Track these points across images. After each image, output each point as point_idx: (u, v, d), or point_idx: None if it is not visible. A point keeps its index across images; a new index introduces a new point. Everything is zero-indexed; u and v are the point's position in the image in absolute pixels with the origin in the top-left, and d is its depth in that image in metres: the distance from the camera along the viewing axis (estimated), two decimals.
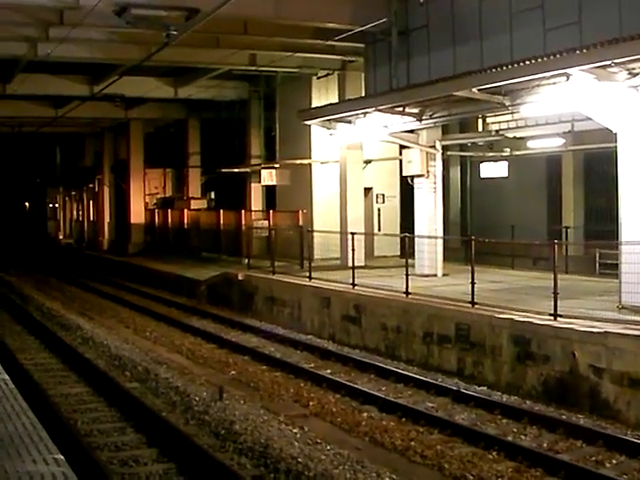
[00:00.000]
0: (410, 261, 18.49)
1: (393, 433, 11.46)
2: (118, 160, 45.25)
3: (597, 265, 20.83)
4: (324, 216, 27.27)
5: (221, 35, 23.46)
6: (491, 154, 26.04)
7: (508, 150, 24.76)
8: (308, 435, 11.14)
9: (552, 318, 13.46)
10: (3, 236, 56.05)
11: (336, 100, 26.34)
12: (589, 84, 13.76)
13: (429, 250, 20.41)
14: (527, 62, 14.24)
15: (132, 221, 40.80)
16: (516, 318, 13.94)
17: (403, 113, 20.04)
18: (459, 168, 30.00)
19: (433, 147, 20.95)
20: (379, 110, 19.96)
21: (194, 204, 37.84)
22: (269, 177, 30.59)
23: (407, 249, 19.00)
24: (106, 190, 46.08)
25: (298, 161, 28.77)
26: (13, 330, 20.66)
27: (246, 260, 25.82)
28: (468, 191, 29.95)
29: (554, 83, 14.82)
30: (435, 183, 21.10)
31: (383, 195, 28.82)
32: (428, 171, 21.09)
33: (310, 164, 28.52)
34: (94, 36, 22.67)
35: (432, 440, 11.14)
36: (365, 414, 12.52)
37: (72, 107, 33.45)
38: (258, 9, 20.17)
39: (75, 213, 56.82)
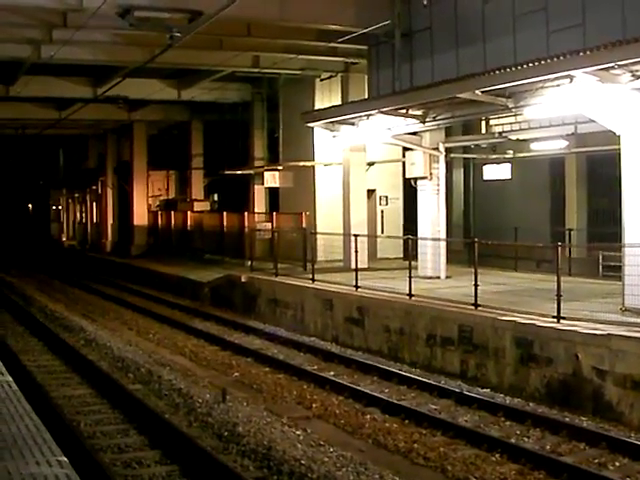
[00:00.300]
0: (413, 263, 18.48)
1: (396, 435, 11.45)
2: (121, 162, 45.29)
3: (600, 267, 20.79)
4: (327, 218, 27.28)
5: (224, 37, 23.48)
6: (494, 156, 26.03)
7: (511, 152, 24.76)
8: (311, 437, 11.14)
9: (555, 320, 13.44)
10: (6, 238, 56.12)
11: (339, 102, 26.36)
12: (592, 86, 13.76)
13: (432, 252, 20.40)
14: (530, 64, 14.24)
15: (135, 223, 40.83)
16: (519, 320, 13.93)
17: (406, 115, 20.04)
18: (462, 170, 30.00)
19: (436, 149, 20.93)
20: (382, 112, 19.97)
21: (197, 206, 37.87)
22: (272, 179, 30.59)
23: (410, 251, 19.00)
24: (109, 192, 46.13)
25: (301, 163, 28.77)
26: (16, 332, 20.67)
27: (249, 262, 25.82)
28: (471, 193, 29.93)
29: (557, 85, 14.82)
30: (438, 185, 21.08)
31: (386, 197, 28.82)
32: (431, 173, 21.07)
33: (313, 166, 28.52)
34: (97, 38, 22.70)
35: (435, 442, 11.14)
36: (368, 416, 12.52)
37: (75, 109, 33.52)
38: (261, 11, 20.18)
39: (78, 215, 56.88)
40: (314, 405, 13.22)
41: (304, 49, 24.19)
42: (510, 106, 16.64)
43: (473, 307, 15.20)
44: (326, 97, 27.91)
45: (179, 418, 12.08)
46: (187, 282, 27.69)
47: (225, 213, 32.54)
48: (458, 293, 16.94)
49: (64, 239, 58.59)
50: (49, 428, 7.93)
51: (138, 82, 30.29)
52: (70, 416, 12.10)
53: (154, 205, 42.77)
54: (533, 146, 23.38)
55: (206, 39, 22.65)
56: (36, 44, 23.13)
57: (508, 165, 27.32)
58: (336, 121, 22.23)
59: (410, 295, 17.06)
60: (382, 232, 28.15)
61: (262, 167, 32.44)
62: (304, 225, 25.52)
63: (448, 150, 22.07)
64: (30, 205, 67.88)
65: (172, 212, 38.62)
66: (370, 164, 27.01)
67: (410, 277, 17.28)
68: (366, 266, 22.19)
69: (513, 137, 22.31)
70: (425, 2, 20.75)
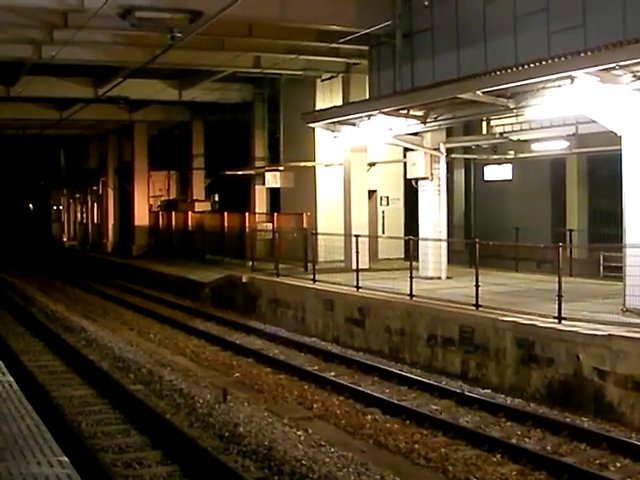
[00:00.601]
0: (414, 264, 18.48)
1: (397, 435, 11.46)
2: (122, 162, 45.31)
3: (601, 268, 20.79)
4: (328, 218, 27.27)
5: (225, 37, 23.49)
6: (495, 157, 26.03)
7: (512, 153, 24.76)
8: (312, 437, 11.14)
9: (556, 321, 13.44)
10: (7, 238, 56.15)
11: (340, 103, 26.37)
12: (593, 87, 13.76)
13: (433, 253, 20.39)
14: (532, 65, 14.25)
15: (136, 223, 40.83)
16: (520, 321, 13.92)
17: (407, 116, 20.04)
18: (463, 171, 30.00)
19: (437, 150, 20.93)
20: (383, 113, 19.97)
21: (198, 206, 37.88)
22: (273, 179, 30.59)
23: (411, 251, 19.00)
24: (110, 192, 46.13)
25: (302, 163, 28.77)
26: (17, 332, 20.68)
27: (250, 262, 25.81)
28: (472, 194, 29.93)
29: (559, 86, 14.81)
30: (439, 186, 21.08)
31: (387, 197, 28.82)
32: (432, 174, 21.07)
33: (314, 167, 28.52)
34: (98, 38, 22.72)
35: (436, 443, 11.14)
36: (369, 416, 12.52)
37: (76, 109, 33.53)
38: (263, 11, 20.18)
39: (79, 215, 56.88)
40: (315, 405, 13.23)
41: (305, 49, 24.20)
42: (511, 107, 16.63)
43: (474, 308, 15.20)
44: (327, 97, 27.92)
45: (180, 418, 12.08)
46: (188, 282, 27.69)
47: (226, 213, 32.57)
48: (459, 294, 16.94)
49: (65, 239, 58.60)
50: (50, 428, 7.93)
51: (139, 82, 30.29)
52: (71, 416, 12.11)
53: (155, 205, 42.77)
54: (534, 147, 23.39)
55: (207, 39, 22.67)
56: (37, 44, 23.14)
57: (509, 166, 27.33)
58: (337, 121, 22.23)
59: (411, 295, 17.06)
60: (383, 233, 28.15)
61: (263, 167, 32.44)
62: (305, 225, 25.52)
63: (449, 150, 22.08)
64: (31, 205, 67.91)
65: (173, 212, 38.64)
66: (371, 164, 27.00)
67: (411, 277, 17.28)
68: (367, 266, 22.18)
69: (514, 138, 22.33)
70: (426, 2, 20.76)
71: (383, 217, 28.68)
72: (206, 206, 39.02)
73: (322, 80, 28.35)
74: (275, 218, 28.25)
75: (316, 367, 16.20)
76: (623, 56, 12.73)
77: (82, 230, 55.14)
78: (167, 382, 14.21)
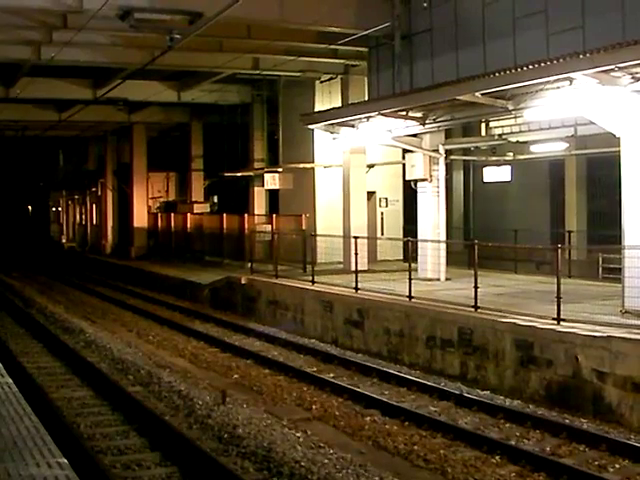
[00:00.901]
0: (413, 265, 18.48)
1: (396, 437, 11.45)
2: (121, 164, 45.32)
3: (600, 269, 20.79)
4: (327, 220, 27.30)
5: (224, 39, 23.53)
6: (494, 158, 26.00)
7: (511, 154, 24.74)
8: (311, 439, 11.15)
9: (555, 322, 13.44)
10: (6, 239, 56.15)
11: (339, 104, 26.36)
12: (592, 88, 13.77)
13: (432, 254, 20.38)
14: (530, 66, 14.24)
15: (135, 225, 40.84)
16: (519, 322, 13.92)
17: (406, 117, 20.04)
18: (462, 172, 30.00)
19: (436, 151, 20.92)
20: (382, 114, 19.96)
21: (197, 208, 37.89)
22: (272, 181, 30.61)
23: (410, 253, 19.00)
24: (109, 194, 46.14)
25: (301, 165, 28.78)
26: (16, 333, 20.67)
27: (249, 264, 25.79)
28: (471, 195, 29.94)
29: (557, 87, 14.82)
30: (438, 187, 21.07)
31: (386, 199, 28.83)
32: (431, 175, 21.07)
33: (313, 168, 28.53)
34: (97, 40, 22.74)
35: (435, 444, 11.14)
36: (368, 418, 12.51)
37: (75, 111, 33.55)
38: (261, 13, 20.20)
39: (78, 217, 56.86)
40: (314, 407, 13.22)
41: (304, 51, 24.23)
42: (510, 108, 16.63)
43: (473, 309, 15.20)
44: (326, 99, 27.94)
45: (179, 420, 12.07)
46: (187, 284, 27.69)
47: (225, 215, 32.57)
48: (458, 295, 16.94)
49: (64, 241, 58.59)
50: (49, 430, 7.93)
51: (138, 84, 30.33)
52: (70, 418, 12.10)
53: (154, 207, 42.80)
54: (533, 148, 23.38)
55: (206, 41, 22.70)
56: (36, 45, 23.16)
57: (508, 167, 27.33)
58: (336, 123, 22.22)
59: (410, 297, 17.05)
60: (382, 234, 28.15)
61: (262, 169, 32.46)
62: (304, 227, 25.53)
63: (448, 152, 22.05)
64: (30, 207, 67.89)
65: (172, 214, 38.65)
66: (370, 166, 27.02)
67: (410, 279, 17.28)
68: (366, 268, 22.17)
69: (513, 139, 22.30)
70: (425, 4, 20.78)
71: (382, 218, 28.68)
72: (205, 208, 39.06)
73: (321, 81, 28.37)
74: (274, 220, 28.26)
75: (315, 369, 16.20)
76: (622, 58, 12.73)
77: (81, 231, 55.14)
78: (166, 383, 14.21)
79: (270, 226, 28.00)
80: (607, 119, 14.43)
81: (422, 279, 19.98)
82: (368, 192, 26.12)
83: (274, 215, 29.17)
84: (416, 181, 21.58)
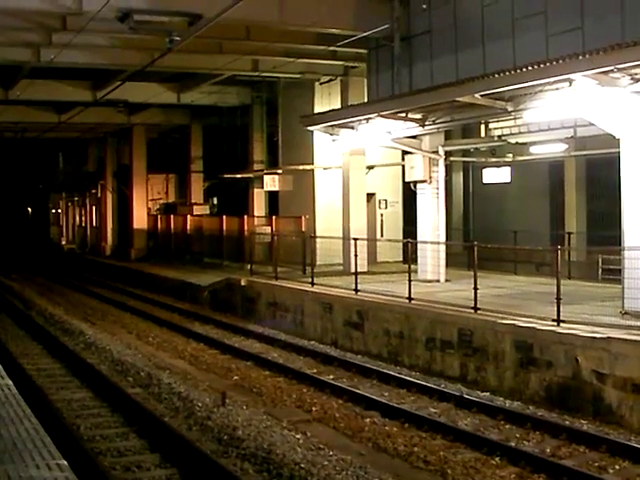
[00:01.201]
0: (413, 267, 18.48)
1: (396, 438, 11.44)
2: (121, 165, 45.33)
3: (600, 271, 20.79)
4: (327, 222, 27.29)
5: (224, 41, 23.54)
6: (494, 160, 26.03)
7: (511, 156, 24.77)
8: (311, 440, 11.14)
9: (555, 324, 13.44)
10: (6, 241, 56.14)
11: (339, 106, 26.37)
12: (592, 89, 13.77)
13: (432, 256, 20.37)
14: (530, 68, 14.24)
15: (135, 227, 40.84)
16: (519, 324, 13.93)
17: (406, 119, 20.04)
18: (462, 174, 29.98)
19: (436, 153, 20.93)
20: (382, 116, 19.96)
21: (197, 210, 37.87)
22: (272, 183, 30.60)
23: (410, 255, 18.99)
24: (109, 195, 46.15)
25: (301, 167, 28.78)
26: (16, 335, 20.67)
27: (249, 266, 25.79)
28: (471, 197, 29.92)
29: (557, 89, 14.82)
30: (438, 189, 21.07)
31: (386, 201, 28.83)
32: (431, 177, 21.07)
33: (313, 170, 28.54)
34: (97, 42, 22.76)
35: (435, 445, 11.13)
36: (368, 420, 12.51)
37: (75, 113, 33.54)
38: (261, 15, 20.20)
39: (78, 218, 56.89)
40: (314, 409, 13.21)
41: (303, 53, 24.24)
42: (509, 109, 16.62)
43: (473, 310, 15.20)
44: (325, 101, 27.93)
45: (179, 422, 12.07)
46: (187, 286, 27.69)
47: (225, 217, 32.56)
48: (458, 296, 16.94)
49: (64, 242, 58.61)
50: (48, 431, 7.92)
51: (138, 86, 30.35)
52: (70, 419, 12.10)
53: (154, 209, 42.81)
54: (532, 149, 23.40)
55: (206, 43, 22.70)
56: (36, 47, 23.18)
57: (507, 168, 27.32)
58: (335, 125, 22.22)
59: (410, 299, 17.05)
60: (382, 236, 28.16)
61: (262, 171, 32.45)
62: (303, 229, 25.53)
63: (448, 153, 22.08)
64: (30, 208, 67.89)
65: (171, 216, 38.66)
66: (370, 168, 27.02)
67: (410, 280, 17.28)
68: (366, 270, 22.15)
69: (512, 140, 22.33)
70: (424, 6, 20.79)
71: (382, 220, 28.69)
72: (205, 209, 39.05)
73: (320, 83, 28.38)
74: (274, 221, 28.27)
75: (315, 370, 16.20)
76: (621, 59, 12.73)
77: (81, 233, 55.15)
78: (166, 385, 14.21)
79: (270, 228, 28.00)
80: (606, 120, 14.43)
81: (422, 280, 19.98)
82: (368, 194, 26.12)
83: (274, 217, 29.17)
84: (416, 182, 21.58)
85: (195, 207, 38.40)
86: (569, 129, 20.66)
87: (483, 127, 22.53)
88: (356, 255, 19.92)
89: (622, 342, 11.98)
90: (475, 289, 15.29)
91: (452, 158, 25.23)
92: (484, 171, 28.76)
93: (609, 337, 12.22)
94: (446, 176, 21.85)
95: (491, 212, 28.58)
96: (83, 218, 54.84)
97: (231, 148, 36.66)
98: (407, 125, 20.35)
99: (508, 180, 27.81)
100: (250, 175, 33.67)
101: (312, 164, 28.50)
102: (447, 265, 20.96)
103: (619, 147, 14.31)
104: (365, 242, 22.85)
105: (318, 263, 23.85)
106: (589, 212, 24.91)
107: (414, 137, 21.01)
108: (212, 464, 9.74)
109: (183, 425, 11.88)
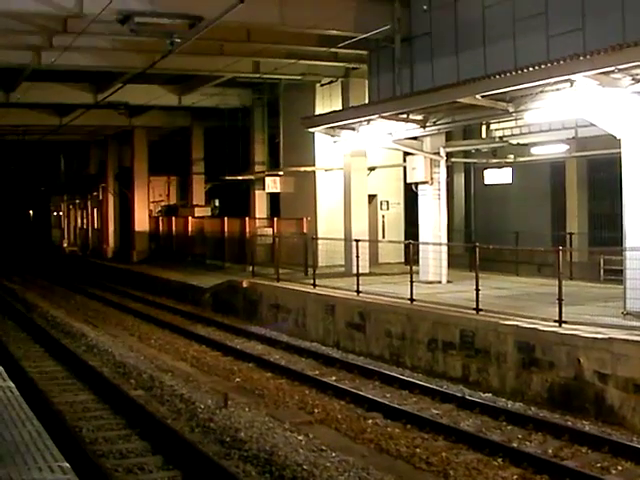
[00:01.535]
0: (414, 268, 18.48)
1: (398, 440, 11.44)
2: (122, 168, 45.32)
3: (601, 271, 20.79)
4: (328, 223, 27.31)
5: (225, 43, 23.53)
6: (495, 161, 26.05)
7: (512, 156, 24.77)
8: (313, 442, 11.14)
9: (557, 324, 13.43)
10: (7, 244, 56.14)
11: (340, 107, 26.38)
12: (593, 90, 13.76)
13: (433, 257, 20.37)
14: (531, 68, 14.24)
15: (136, 229, 40.84)
16: (521, 325, 13.92)
17: (407, 120, 20.04)
18: (463, 175, 30.01)
19: (437, 154, 20.94)
20: (383, 117, 19.96)
21: (198, 212, 37.88)
22: (273, 184, 30.62)
23: (411, 256, 19.00)
24: (110, 198, 46.16)
25: (302, 168, 28.79)
26: (18, 338, 20.66)
27: (250, 267, 25.80)
28: (472, 198, 29.93)
29: (558, 89, 14.82)
30: (439, 190, 21.08)
31: (387, 202, 28.83)
32: (432, 178, 21.08)
33: (314, 171, 28.55)
34: (98, 44, 22.74)
35: (437, 447, 11.12)
36: (370, 421, 12.50)
37: (76, 115, 33.53)
38: (262, 16, 20.22)
39: (79, 221, 56.87)
40: (316, 410, 13.21)
41: (304, 54, 24.24)
42: (510, 110, 16.63)
43: (475, 312, 15.19)
44: (327, 102, 27.95)
45: (181, 424, 12.07)
46: (188, 288, 27.69)
47: (226, 218, 32.57)
48: (460, 298, 16.94)
49: (65, 245, 58.57)
50: (51, 434, 7.92)
51: (139, 88, 30.34)
52: (72, 422, 12.09)
53: (155, 211, 42.83)
54: (534, 150, 23.40)
55: (207, 45, 22.70)
56: (37, 50, 23.18)
57: (509, 169, 27.33)
58: (337, 126, 22.22)
59: (411, 300, 17.06)
60: (383, 237, 28.16)
61: (263, 172, 32.45)
62: (305, 230, 25.53)
63: (449, 155, 22.09)
64: (31, 211, 67.90)
65: (173, 218, 38.67)
66: (371, 169, 27.02)
67: (411, 282, 17.28)
68: (367, 271, 22.17)
69: (514, 141, 22.32)
70: (425, 7, 20.79)
71: (383, 221, 28.69)
72: (206, 211, 39.05)
73: (321, 85, 28.39)
74: (275, 223, 28.28)
75: (317, 372, 16.20)
76: (622, 59, 12.73)
77: (82, 236, 55.12)
78: (168, 387, 14.21)
79: (271, 229, 28.01)
80: (607, 121, 14.43)
81: (423, 282, 19.98)
82: (369, 195, 26.14)
83: (275, 218, 29.19)
84: (417, 184, 21.60)
85: (197, 209, 38.40)
86: (570, 130, 20.66)
87: (484, 128, 22.52)
88: (358, 256, 19.93)
89: (624, 343, 11.98)
90: (477, 290, 15.29)
91: (453, 159, 25.26)
92: (485, 172, 28.77)
93: (611, 338, 12.21)
94: (447, 177, 21.85)
95: (493, 213, 28.59)
96: (85, 220, 54.82)
97: (232, 150, 36.64)
98: (408, 126, 20.36)
99: (509, 181, 27.82)
100: (251, 177, 33.68)
101: (313, 166, 28.52)
102: (449, 266, 20.96)
103: (620, 148, 14.32)
104: (367, 243, 22.84)
105: (320, 265, 23.86)
106: (590, 213, 24.92)
107: (415, 138, 21.03)
108: (214, 466, 9.74)
109: (185, 427, 11.88)
